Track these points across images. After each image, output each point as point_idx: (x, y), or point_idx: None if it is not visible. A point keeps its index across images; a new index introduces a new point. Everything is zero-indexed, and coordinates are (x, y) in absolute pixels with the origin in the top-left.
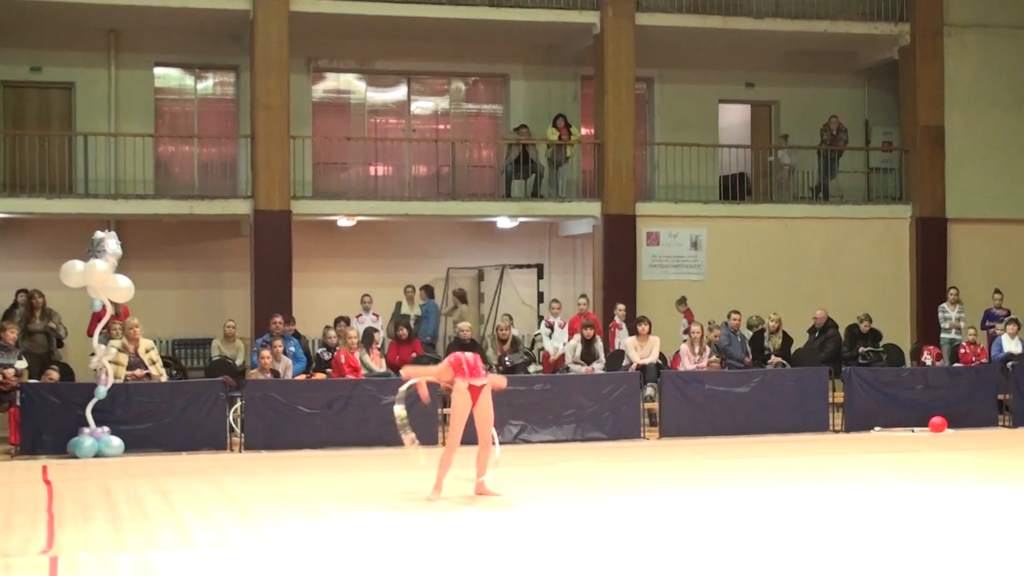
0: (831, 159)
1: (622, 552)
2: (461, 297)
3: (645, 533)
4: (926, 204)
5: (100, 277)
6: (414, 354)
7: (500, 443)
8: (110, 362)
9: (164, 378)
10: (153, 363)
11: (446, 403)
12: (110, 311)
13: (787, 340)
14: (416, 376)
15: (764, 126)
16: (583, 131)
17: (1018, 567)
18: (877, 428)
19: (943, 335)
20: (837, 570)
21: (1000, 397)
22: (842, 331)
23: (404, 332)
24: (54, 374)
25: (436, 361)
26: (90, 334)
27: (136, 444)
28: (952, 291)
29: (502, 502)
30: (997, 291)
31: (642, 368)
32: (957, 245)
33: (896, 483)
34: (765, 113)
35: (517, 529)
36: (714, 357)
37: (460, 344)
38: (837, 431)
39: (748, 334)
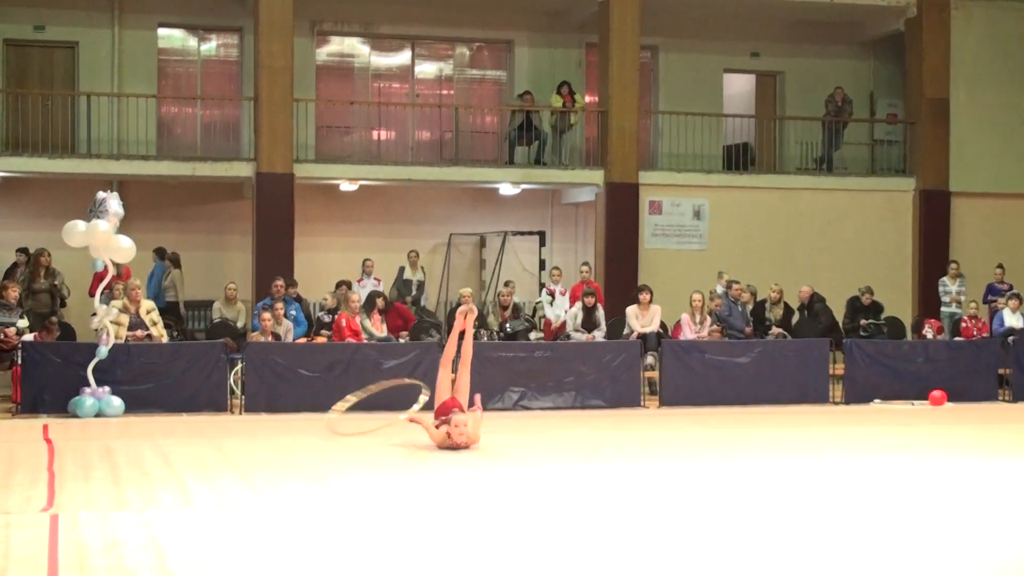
0: (835, 131)
1: (608, 522)
2: (175, 261)
3: (635, 502)
4: (930, 177)
5: (102, 237)
6: (416, 319)
7: (501, 408)
8: (111, 322)
9: (165, 339)
10: (154, 324)
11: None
12: (112, 271)
13: (788, 311)
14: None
15: (769, 96)
16: (587, 99)
17: (1014, 541)
18: (877, 400)
19: (943, 309)
20: (833, 543)
21: (1000, 371)
22: (843, 303)
23: (381, 302)
24: (54, 327)
25: (437, 327)
26: (92, 294)
27: (137, 404)
28: (953, 265)
29: (499, 467)
30: (999, 265)
31: (643, 337)
32: (960, 219)
33: (893, 456)
34: (770, 83)
35: (514, 495)
36: (715, 326)
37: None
38: (837, 403)
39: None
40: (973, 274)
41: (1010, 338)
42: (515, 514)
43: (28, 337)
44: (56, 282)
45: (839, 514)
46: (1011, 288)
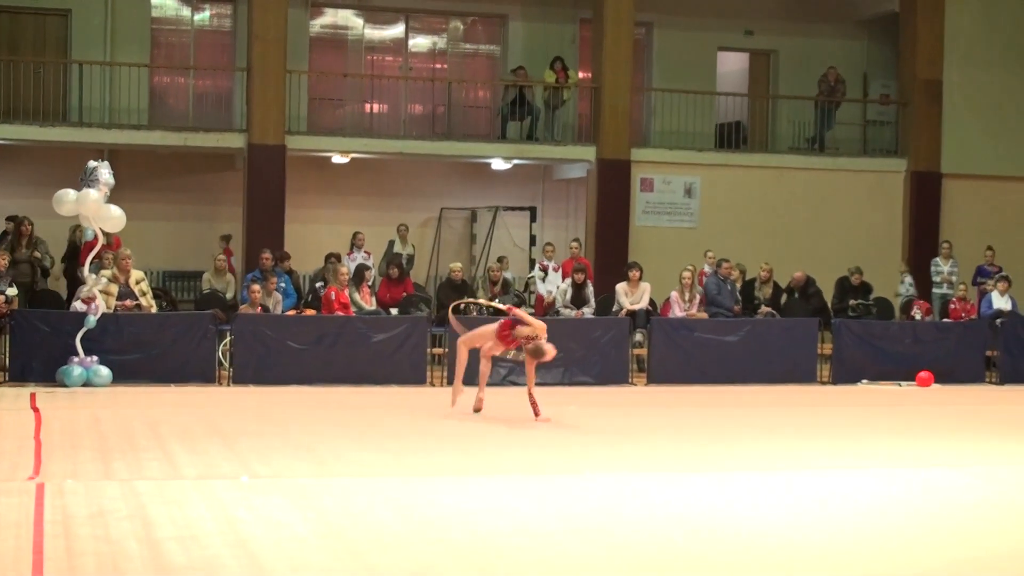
0: (828, 110)
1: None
2: None
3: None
4: (921, 158)
5: (92, 206)
6: (404, 293)
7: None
8: (100, 292)
9: (154, 309)
10: (143, 294)
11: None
12: (102, 240)
13: (777, 290)
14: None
15: (762, 75)
16: (580, 75)
17: (994, 523)
18: (864, 381)
19: (935, 289)
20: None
21: (988, 353)
22: (832, 283)
23: (395, 271)
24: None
25: (427, 301)
26: (81, 263)
27: (125, 374)
28: (945, 245)
29: (485, 442)
30: (989, 248)
31: (632, 314)
32: (951, 200)
33: (878, 436)
34: (763, 62)
35: (497, 470)
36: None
37: (451, 284)
38: (824, 383)
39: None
40: (963, 256)
41: (998, 320)
42: (497, 493)
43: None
44: (38, 252)
45: (819, 496)
46: (1000, 270)
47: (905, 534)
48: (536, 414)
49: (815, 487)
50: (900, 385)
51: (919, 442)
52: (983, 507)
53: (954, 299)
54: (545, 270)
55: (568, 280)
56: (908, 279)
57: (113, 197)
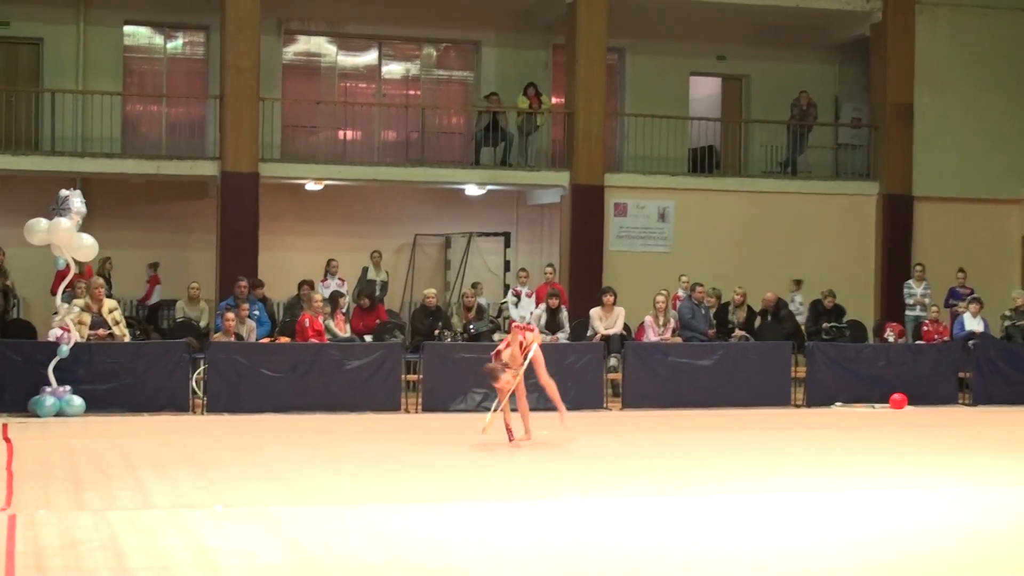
0: (800, 134)
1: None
2: None
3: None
4: (893, 181)
5: (64, 235)
6: (378, 320)
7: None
8: (73, 321)
9: (127, 338)
10: (116, 323)
11: None
12: (74, 270)
13: (751, 314)
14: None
15: (735, 99)
16: (554, 100)
17: (967, 543)
18: (838, 403)
19: (908, 312)
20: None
21: (961, 375)
22: (807, 306)
23: (366, 302)
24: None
25: (401, 328)
26: (54, 292)
27: (98, 404)
28: (918, 268)
29: (460, 468)
30: (961, 270)
31: (606, 338)
32: (923, 223)
33: (853, 458)
34: (736, 87)
35: (472, 497)
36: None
37: (426, 311)
38: (799, 405)
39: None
40: (934, 278)
41: (971, 342)
42: (466, 520)
43: None
44: (8, 281)
45: (794, 518)
46: (972, 292)
47: (882, 559)
48: (510, 438)
49: (792, 510)
50: (874, 407)
51: (893, 464)
52: (959, 529)
53: (927, 321)
54: (519, 295)
55: (542, 305)
56: (798, 297)
57: (85, 226)
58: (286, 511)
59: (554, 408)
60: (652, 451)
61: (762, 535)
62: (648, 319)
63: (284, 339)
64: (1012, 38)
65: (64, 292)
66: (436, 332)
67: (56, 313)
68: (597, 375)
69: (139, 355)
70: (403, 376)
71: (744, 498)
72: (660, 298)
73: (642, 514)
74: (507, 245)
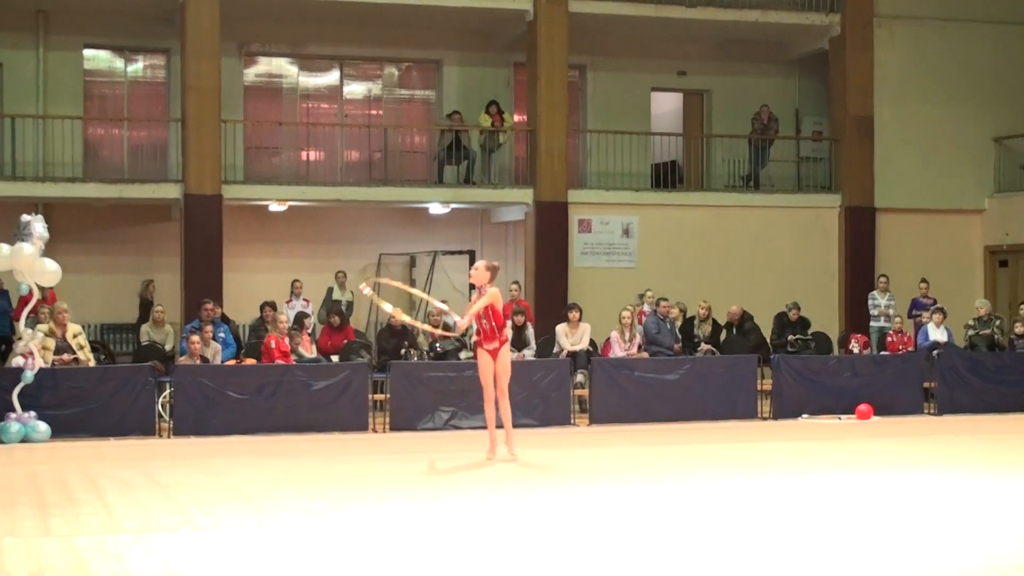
0: (762, 148)
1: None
2: None
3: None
4: (855, 193)
5: (27, 261)
6: (346, 341)
7: (432, 428)
8: (37, 347)
9: (92, 363)
10: (81, 348)
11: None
12: (37, 295)
13: (716, 328)
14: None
15: (696, 115)
16: (516, 118)
17: (934, 552)
18: (804, 415)
19: (872, 323)
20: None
21: (925, 385)
22: (771, 319)
23: (336, 319)
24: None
25: (368, 347)
26: (16, 318)
27: (63, 429)
28: (882, 279)
29: (429, 488)
30: (923, 280)
31: (572, 355)
32: (885, 234)
33: (820, 470)
34: (697, 102)
35: (431, 518)
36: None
37: (391, 330)
38: (765, 418)
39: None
40: (897, 289)
41: (935, 352)
42: (432, 541)
43: None
44: None
45: (764, 530)
46: (935, 303)
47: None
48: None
49: (764, 522)
50: (840, 419)
51: (861, 474)
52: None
53: (891, 332)
54: None
55: (508, 323)
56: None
57: (48, 251)
58: (254, 533)
59: (523, 426)
60: (621, 466)
61: (738, 547)
62: (614, 335)
63: (250, 361)
64: (970, 50)
65: (28, 318)
66: (403, 351)
67: (20, 339)
68: (564, 391)
69: (104, 379)
70: (370, 396)
71: (716, 512)
72: (626, 313)
73: (613, 530)
74: (472, 263)
